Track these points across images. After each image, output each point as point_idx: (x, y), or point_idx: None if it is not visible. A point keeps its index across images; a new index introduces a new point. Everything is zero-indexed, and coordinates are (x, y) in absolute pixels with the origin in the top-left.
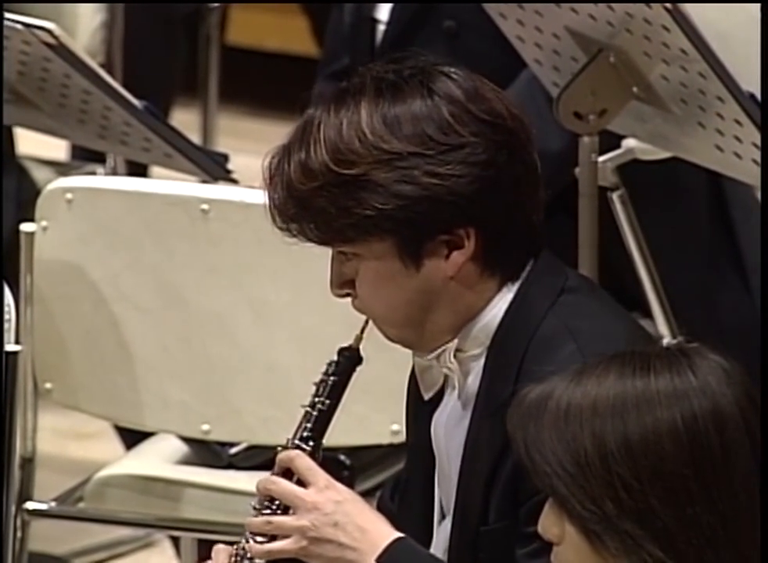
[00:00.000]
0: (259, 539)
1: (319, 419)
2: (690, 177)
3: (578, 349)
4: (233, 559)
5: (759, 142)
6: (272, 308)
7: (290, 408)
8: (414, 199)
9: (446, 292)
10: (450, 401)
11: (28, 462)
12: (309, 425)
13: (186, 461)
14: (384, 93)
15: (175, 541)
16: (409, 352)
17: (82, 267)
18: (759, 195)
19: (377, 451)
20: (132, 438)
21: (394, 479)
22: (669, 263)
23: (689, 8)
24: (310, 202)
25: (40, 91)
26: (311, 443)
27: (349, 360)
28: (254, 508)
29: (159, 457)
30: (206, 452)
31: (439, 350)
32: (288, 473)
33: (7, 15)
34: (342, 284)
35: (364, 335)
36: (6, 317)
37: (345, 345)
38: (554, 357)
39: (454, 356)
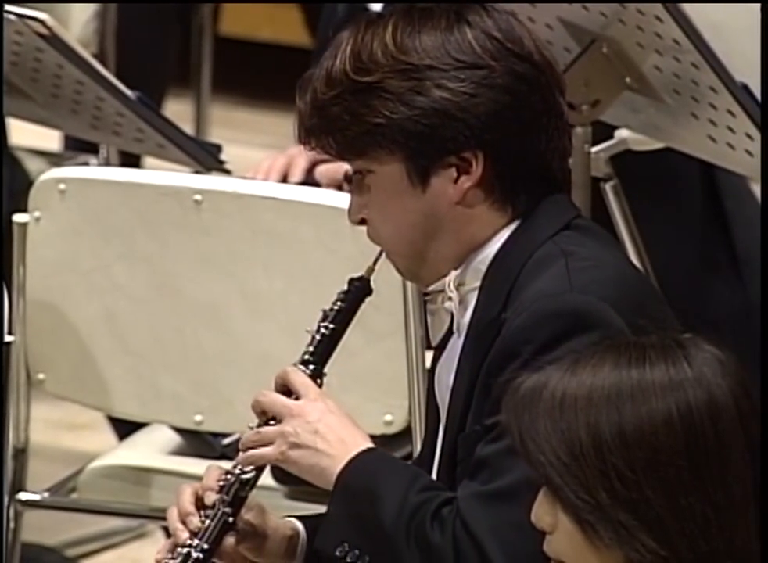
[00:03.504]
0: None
1: (321, 343)
2: (683, 168)
3: (565, 264)
4: (221, 480)
5: (752, 133)
6: (265, 298)
7: None
8: (423, 111)
9: (452, 218)
10: (451, 344)
11: (21, 453)
12: (311, 349)
13: (179, 452)
14: (413, 13)
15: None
16: (402, 343)
17: (75, 258)
18: (752, 186)
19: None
20: (125, 428)
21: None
22: (661, 253)
23: None
24: (328, 111)
25: (32, 82)
26: (312, 367)
27: (358, 289)
28: (249, 427)
29: (152, 448)
30: (199, 442)
31: (441, 282)
32: (285, 393)
33: None
34: (358, 209)
35: (376, 267)
36: None
37: (356, 275)
38: (540, 276)
39: (456, 289)
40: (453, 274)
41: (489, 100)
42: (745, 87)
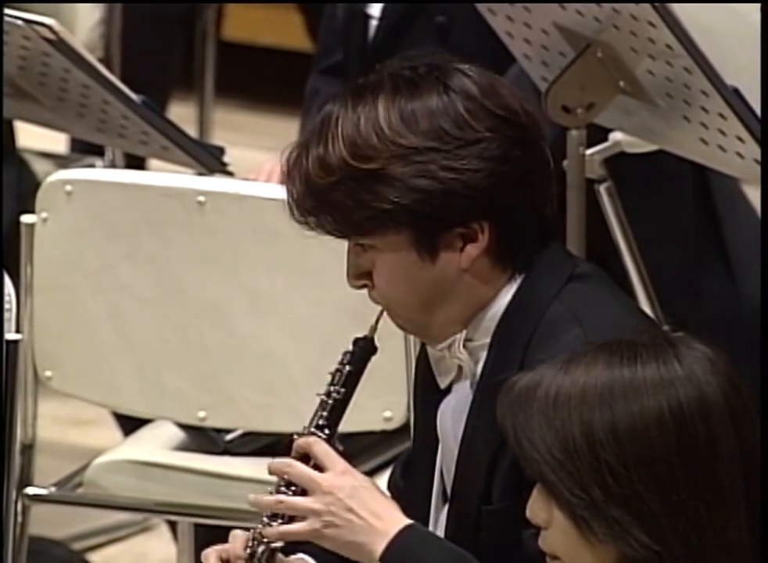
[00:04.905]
0: (275, 522)
1: (335, 408)
2: (676, 170)
3: (583, 334)
4: (249, 543)
5: (743, 136)
6: (267, 297)
7: (285, 395)
8: (431, 193)
9: (460, 283)
10: (461, 389)
11: (28, 448)
12: (325, 414)
13: (183, 447)
14: (401, 89)
15: (172, 525)
16: (401, 340)
17: (81, 258)
18: (743, 187)
19: (369, 437)
20: (130, 424)
21: (405, 457)
22: (655, 253)
23: (673, 4)
24: (328, 196)
25: (40, 86)
26: (327, 431)
27: (364, 350)
28: (270, 493)
29: (157, 444)
30: (203, 438)
31: (449, 340)
32: (304, 459)
33: (8, 11)
34: (359, 275)
35: (379, 326)
36: (7, 306)
37: (360, 335)
38: (558, 341)
39: (464, 345)
40: (462, 335)
41: (490, 172)
42: (736, 91)
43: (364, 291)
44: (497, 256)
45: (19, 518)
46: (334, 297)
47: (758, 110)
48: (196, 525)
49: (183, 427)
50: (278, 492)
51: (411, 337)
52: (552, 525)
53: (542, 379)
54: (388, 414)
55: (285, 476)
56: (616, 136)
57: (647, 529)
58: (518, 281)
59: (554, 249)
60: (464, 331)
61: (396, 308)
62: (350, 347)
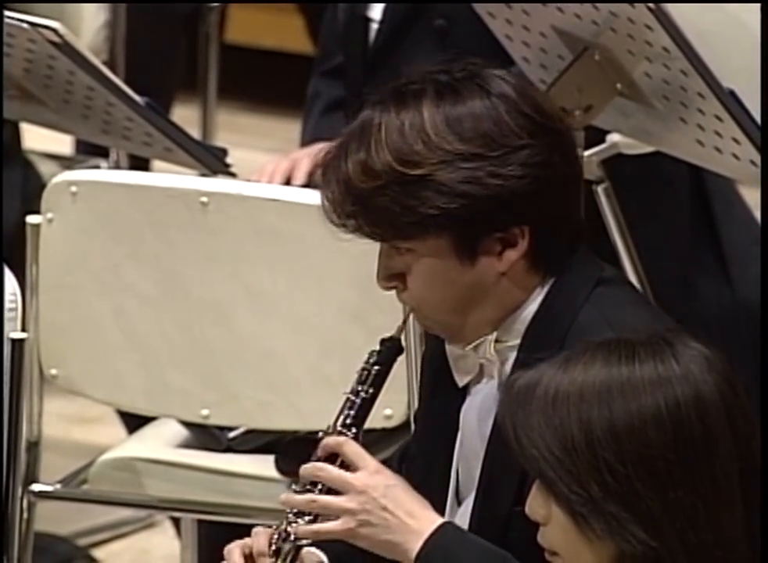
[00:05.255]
0: (301, 520)
1: (362, 407)
2: (673, 171)
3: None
4: (274, 540)
5: (738, 137)
6: (268, 296)
7: (286, 394)
8: (477, 199)
9: (496, 287)
10: (485, 388)
11: (34, 445)
12: (352, 413)
13: (186, 445)
14: (444, 95)
15: (176, 522)
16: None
17: (86, 257)
18: (739, 188)
19: (369, 435)
20: (134, 422)
21: (401, 451)
22: (652, 254)
23: (669, 8)
24: (371, 201)
25: (45, 88)
26: (354, 430)
27: (390, 350)
28: (294, 491)
29: (161, 441)
30: (206, 436)
31: (478, 341)
32: (331, 457)
33: (13, 14)
34: (390, 277)
35: (406, 326)
36: (12, 305)
37: (387, 335)
38: None
39: (493, 348)
40: (492, 337)
41: (533, 179)
42: (732, 93)
43: (365, 291)
44: (533, 260)
45: (25, 515)
46: (335, 297)
47: (753, 112)
48: (199, 522)
49: (186, 425)
50: (307, 490)
51: (411, 337)
52: (551, 522)
53: (541, 378)
54: (388, 412)
55: (317, 480)
56: (614, 138)
57: (645, 526)
58: (550, 284)
59: (583, 253)
60: (494, 334)
61: (427, 310)
62: (377, 347)
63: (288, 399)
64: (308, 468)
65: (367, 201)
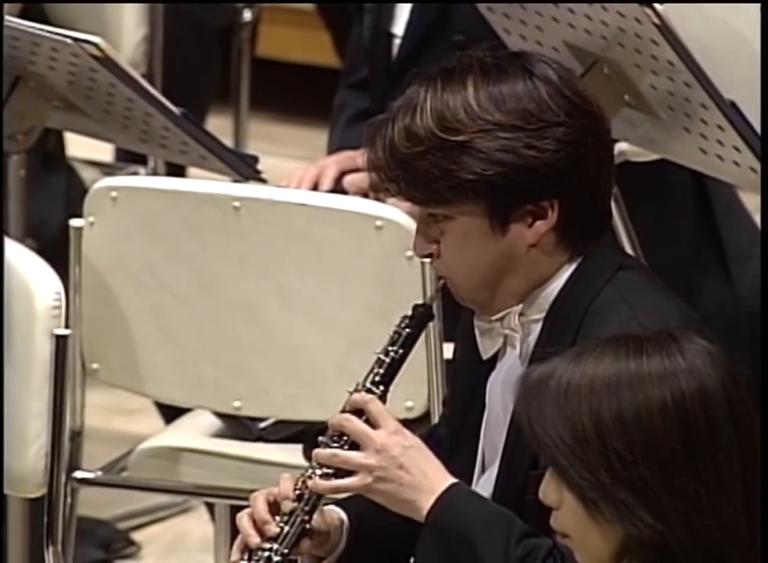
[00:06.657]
0: (320, 474)
1: (390, 366)
2: (677, 177)
3: (634, 317)
4: (297, 489)
5: (739, 146)
6: (297, 296)
7: (313, 387)
8: (512, 168)
9: (525, 258)
10: (509, 360)
11: (77, 435)
12: (381, 371)
13: (220, 435)
14: (489, 73)
15: (210, 507)
16: (422, 334)
17: (125, 259)
18: (739, 194)
19: None
20: (171, 413)
21: (427, 432)
22: (656, 254)
23: (674, 24)
24: (414, 165)
25: (87, 99)
26: (381, 388)
27: (422, 315)
28: (322, 443)
29: (196, 431)
30: (238, 426)
31: (504, 313)
32: (357, 413)
33: (57, 29)
34: (426, 245)
35: (438, 294)
36: (56, 304)
37: (419, 301)
38: (608, 323)
39: (518, 319)
40: (518, 309)
41: (567, 154)
42: (733, 104)
43: (387, 290)
44: (562, 236)
45: (69, 500)
46: (359, 296)
47: (753, 122)
48: (232, 507)
49: (220, 416)
50: (331, 442)
51: (432, 331)
52: (563, 506)
53: (554, 371)
54: (410, 403)
55: (342, 430)
56: (621, 146)
57: (651, 510)
58: (575, 263)
59: (608, 237)
60: (520, 306)
61: (458, 278)
62: (409, 312)
63: (315, 392)
64: (337, 417)
65: (409, 165)
